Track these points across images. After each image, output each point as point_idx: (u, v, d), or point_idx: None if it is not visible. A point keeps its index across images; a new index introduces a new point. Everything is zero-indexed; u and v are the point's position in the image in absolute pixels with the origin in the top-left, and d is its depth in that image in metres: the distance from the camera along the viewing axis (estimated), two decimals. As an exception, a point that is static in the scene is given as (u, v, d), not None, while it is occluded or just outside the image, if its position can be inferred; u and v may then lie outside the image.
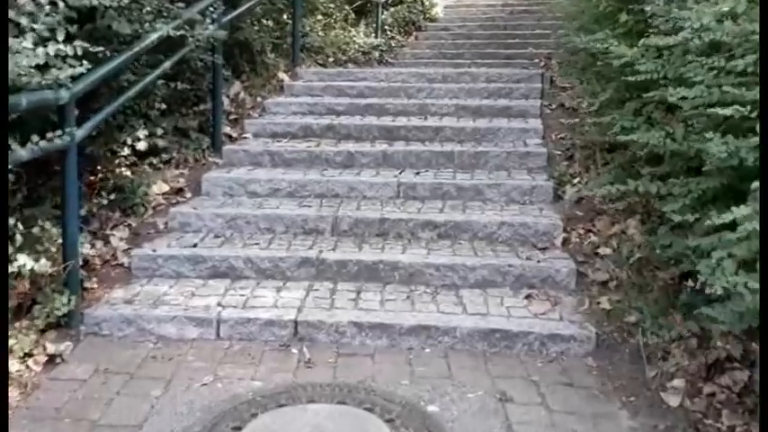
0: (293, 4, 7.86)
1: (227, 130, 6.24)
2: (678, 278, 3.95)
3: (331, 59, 8.79)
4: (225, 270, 4.30)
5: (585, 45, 4.46)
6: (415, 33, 11.55)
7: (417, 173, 5.56)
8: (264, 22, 7.68)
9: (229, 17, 6.27)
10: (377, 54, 10.06)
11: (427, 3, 12.18)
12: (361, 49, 9.81)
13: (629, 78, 3.71)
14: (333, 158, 5.77)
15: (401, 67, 9.28)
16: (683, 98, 3.17)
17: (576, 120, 6.29)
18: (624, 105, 4.50)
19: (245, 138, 6.26)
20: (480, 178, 5.38)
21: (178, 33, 4.65)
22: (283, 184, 5.32)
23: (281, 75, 7.50)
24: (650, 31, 4.34)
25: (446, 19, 12.40)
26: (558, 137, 6.08)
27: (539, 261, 4.32)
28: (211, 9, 5.44)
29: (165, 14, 4.94)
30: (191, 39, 5.06)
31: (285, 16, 8.23)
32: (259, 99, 6.96)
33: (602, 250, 4.43)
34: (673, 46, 3.49)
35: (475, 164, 5.67)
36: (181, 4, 5.06)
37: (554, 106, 6.81)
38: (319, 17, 9.54)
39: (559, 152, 5.77)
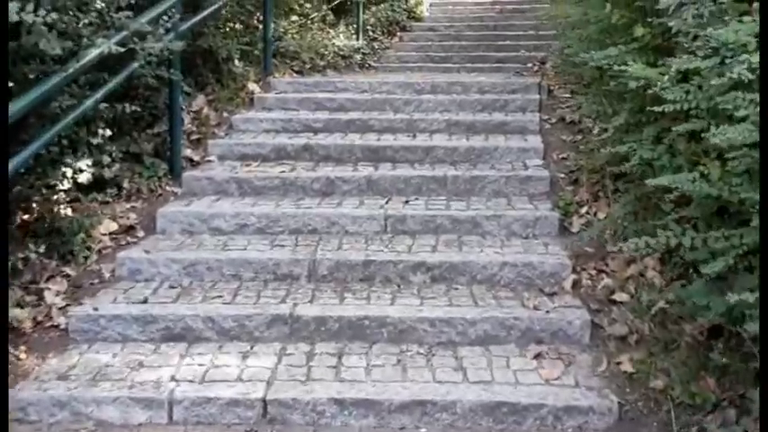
0: (264, 6, 7.30)
1: (188, 152, 5.69)
2: (707, 332, 3.50)
3: (308, 66, 8.25)
4: (180, 331, 3.77)
5: (596, 62, 3.95)
6: (399, 34, 11.04)
7: (406, 201, 5.05)
8: (232, 26, 7.13)
9: (189, 24, 5.75)
10: (358, 58, 9.55)
11: (412, 1, 11.66)
12: (341, 53, 9.29)
13: (655, 109, 3.21)
14: (310, 186, 5.24)
15: (386, 73, 8.79)
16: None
17: (580, 137, 5.81)
18: (640, 129, 4.01)
19: (209, 161, 5.72)
20: (477, 207, 4.89)
21: (123, 49, 4.09)
22: (252, 219, 4.79)
23: (252, 85, 6.96)
24: (670, 46, 3.87)
25: (432, 18, 11.90)
26: (561, 157, 5.60)
27: (547, 311, 3.83)
28: (166, 17, 4.88)
29: (109, 26, 4.40)
30: (141, 52, 4.52)
31: (256, 19, 7.68)
32: (226, 114, 6.42)
33: (619, 296, 3.95)
34: (705, 70, 2.99)
35: (470, 190, 5.17)
36: (128, 13, 4.51)
37: (554, 120, 6.33)
38: (294, 18, 9.00)
39: (563, 175, 5.29)
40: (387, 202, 5.02)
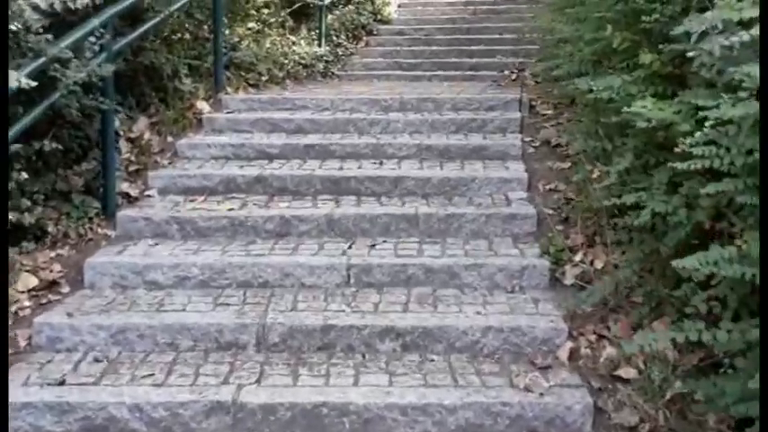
0: (213, 13, 6.69)
1: (125, 186, 5.08)
2: (737, 423, 2.98)
3: (265, 78, 7.66)
4: (103, 422, 3.17)
5: (596, 92, 3.42)
6: (365, 38, 10.48)
7: (373, 245, 4.50)
8: (179, 37, 6.51)
9: (125, 41, 5.15)
10: (321, 66, 9.01)
11: (379, 2, 11.09)
12: (302, 62, 8.72)
13: (678, 166, 2.67)
14: (262, 226, 4.66)
15: (350, 84, 8.26)
16: None
17: (568, 164, 5.29)
18: (648, 172, 3.49)
19: (149, 196, 5.11)
20: (454, 253, 4.34)
21: (34, 83, 3.49)
22: (194, 271, 4.20)
23: (201, 104, 6.36)
24: (683, 75, 3.35)
25: (401, 21, 11.35)
26: (548, 188, 5.08)
27: (541, 393, 3.28)
28: (93, 38, 4.28)
29: (24, 52, 3.79)
30: (63, 80, 3.92)
31: (207, 28, 7.06)
32: (170, 139, 5.81)
33: (625, 371, 3.40)
34: (740, 119, 2.47)
35: (446, 230, 4.63)
36: (48, 36, 3.90)
37: (537, 143, 5.80)
38: (251, 25, 8.38)
39: (551, 211, 4.76)
40: (350, 246, 4.46)
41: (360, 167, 5.38)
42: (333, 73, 9.20)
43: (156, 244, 4.59)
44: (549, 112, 6.36)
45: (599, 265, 4.09)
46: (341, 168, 5.36)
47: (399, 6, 11.96)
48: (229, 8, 7.67)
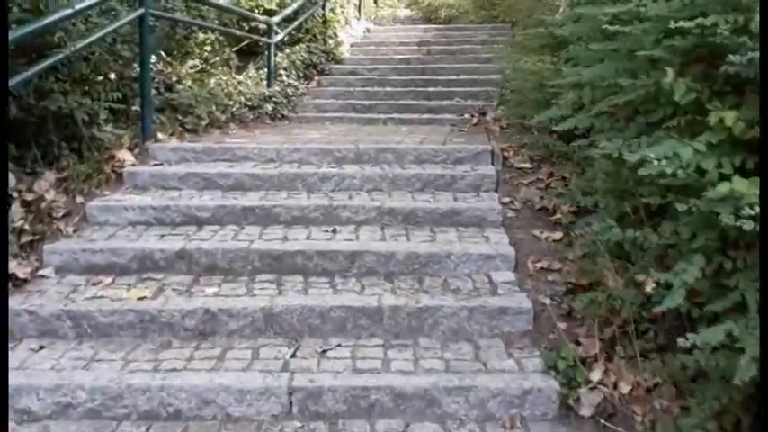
0: (141, 51, 5.28)
1: (13, 266, 3.64)
2: None
3: (205, 122, 6.26)
4: None
5: (659, 166, 2.13)
6: (317, 78, 9.15)
7: (324, 350, 3.15)
8: (101, 78, 5.08)
9: (20, 79, 3.73)
10: (269, 107, 7.64)
11: (331, 42, 9.80)
12: (249, 103, 7.35)
13: None
14: (180, 322, 3.28)
15: (301, 127, 6.94)
16: None
17: (560, 234, 4.03)
18: (723, 282, 2.21)
19: (42, 277, 3.69)
20: (431, 366, 3.03)
21: None
22: (81, 395, 2.81)
23: (124, 155, 4.94)
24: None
25: (353, 60, 10.05)
26: (539, 266, 3.79)
27: None
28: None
29: None
30: None
31: (136, 66, 5.64)
32: (80, 200, 4.38)
33: None
34: None
35: (418, 328, 3.31)
36: None
37: (517, 205, 4.52)
38: (192, 63, 6.98)
39: (548, 300, 3.47)
40: (294, 354, 3.11)
41: (308, 237, 4.03)
42: (282, 115, 7.85)
43: (41, 347, 3.19)
44: (526, 165, 5.09)
45: (624, 387, 2.80)
46: (285, 239, 3.99)
47: (352, 46, 10.69)
48: (165, 45, 6.28)
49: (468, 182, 4.72)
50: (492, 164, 5.10)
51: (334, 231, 4.12)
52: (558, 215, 4.30)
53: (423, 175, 4.75)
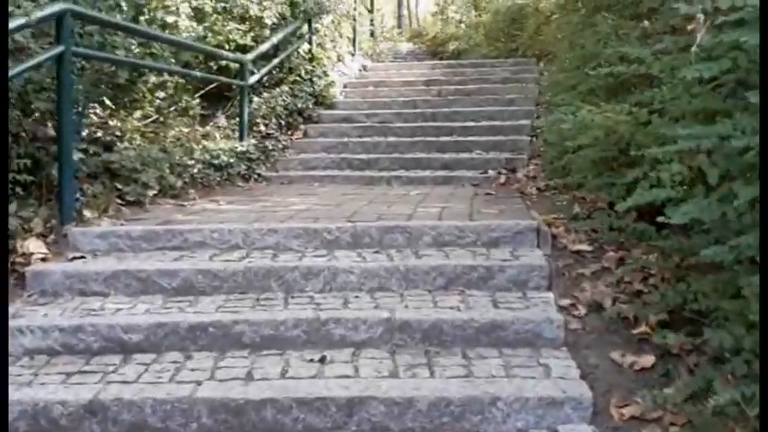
0: (59, 99, 4.33)
1: None
2: None
3: (153, 190, 5.33)
4: None
5: None
6: (303, 127, 8.28)
7: None
8: None
9: None
10: (242, 167, 6.77)
11: (320, 82, 8.93)
12: (215, 162, 6.45)
13: None
14: None
15: (281, 189, 6.04)
16: None
17: (652, 360, 3.05)
18: None
19: None
20: None
21: None
22: None
23: (31, 245, 3.98)
24: None
25: (348, 104, 9.20)
26: (627, 415, 2.80)
27: None
28: None
29: None
30: None
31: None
32: (-41, 316, 3.38)
33: None
34: None
35: None
36: None
37: (581, 309, 3.54)
38: (140, 114, 6.08)
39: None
40: None
41: (285, 373, 3.05)
42: (259, 175, 6.97)
43: None
44: (584, 248, 4.13)
45: None
46: (249, 377, 3.00)
47: (346, 87, 9.85)
48: (100, 92, 5.39)
49: (510, 276, 3.75)
50: (538, 246, 4.15)
51: (323, 361, 3.14)
52: (644, 327, 3.32)
53: (446, 266, 3.78)
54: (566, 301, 3.60)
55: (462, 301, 3.57)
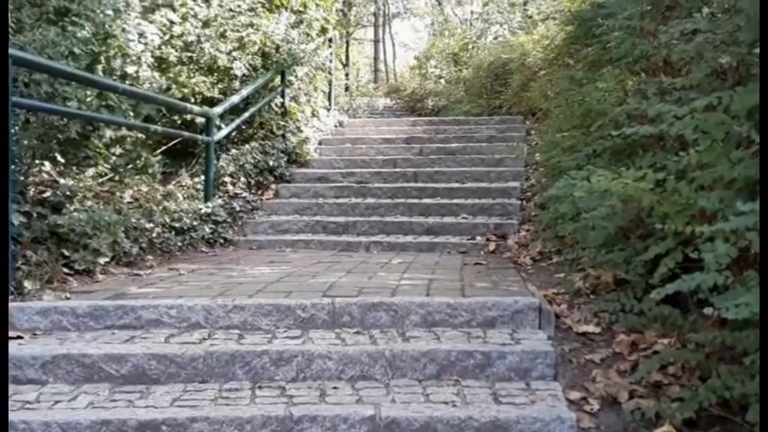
0: None
1: None
2: None
3: (106, 257, 4.98)
4: None
5: None
6: (274, 187, 7.99)
7: None
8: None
9: None
10: (207, 230, 6.45)
11: (293, 139, 8.68)
12: (177, 225, 6.12)
13: None
14: None
15: (249, 256, 5.71)
16: None
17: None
18: None
19: None
20: None
21: None
22: None
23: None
24: None
25: (323, 162, 8.94)
26: None
27: None
28: None
29: None
30: None
31: None
32: None
33: None
34: None
35: None
36: None
37: (593, 404, 3.22)
38: (93, 172, 5.74)
39: None
40: None
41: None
42: (225, 239, 6.64)
43: None
44: (591, 329, 3.83)
45: None
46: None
47: (321, 144, 9.61)
48: (49, 147, 5.06)
49: (512, 363, 3.43)
50: (540, 328, 3.84)
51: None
52: (667, 426, 3.00)
53: (438, 352, 3.45)
54: (575, 394, 3.27)
55: (458, 393, 3.24)
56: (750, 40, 2.40)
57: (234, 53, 8.09)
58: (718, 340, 2.57)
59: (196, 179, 7.20)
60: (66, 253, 4.77)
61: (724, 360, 2.93)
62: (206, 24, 8.04)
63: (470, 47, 17.01)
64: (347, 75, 14.60)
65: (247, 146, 8.15)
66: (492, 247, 6.30)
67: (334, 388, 3.29)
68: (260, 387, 3.32)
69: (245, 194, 7.51)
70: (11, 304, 3.84)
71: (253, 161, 7.89)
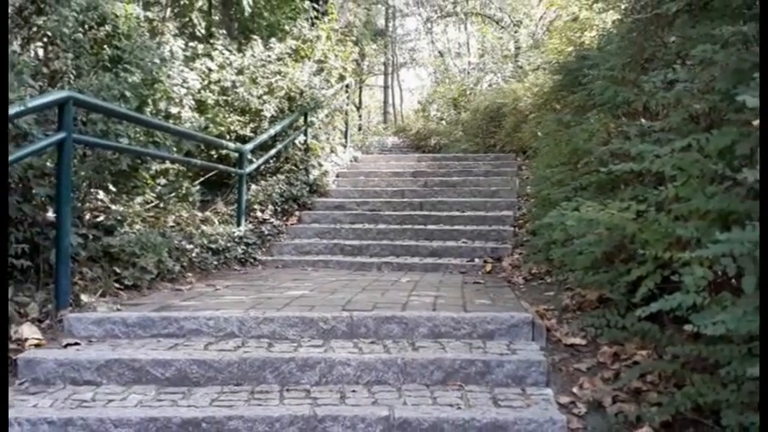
0: (58, 185, 4.00)
1: None
2: None
3: (151, 275, 4.99)
4: None
5: None
6: (297, 213, 8.00)
7: None
8: None
9: None
10: (239, 251, 6.45)
11: (315, 172, 8.72)
12: (213, 246, 6.13)
13: None
14: None
15: (276, 273, 5.71)
16: None
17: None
18: None
19: None
20: None
21: None
22: None
23: (25, 330, 3.62)
24: None
25: (340, 192, 8.96)
26: None
27: None
28: None
29: None
30: None
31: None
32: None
33: None
34: None
35: None
36: None
37: (581, 407, 3.20)
38: (140, 200, 5.77)
39: None
40: None
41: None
42: (255, 259, 6.64)
43: None
44: (578, 341, 3.82)
45: None
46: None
47: (338, 176, 9.64)
48: (103, 178, 5.10)
49: (509, 371, 3.42)
50: (533, 339, 3.83)
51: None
52: (646, 428, 2.98)
53: (444, 360, 3.44)
54: (565, 399, 3.26)
55: (461, 397, 3.23)
56: (724, 88, 2.43)
57: (264, 97, 8.16)
58: (694, 353, 2.56)
59: (230, 206, 7.23)
60: (118, 270, 4.79)
61: (696, 370, 2.92)
62: (240, 72, 8.13)
63: (468, 93, 17.06)
64: (360, 116, 14.66)
65: (274, 177, 8.19)
66: (489, 268, 6.30)
67: (353, 391, 3.29)
68: (287, 390, 3.31)
69: (272, 220, 7.53)
70: (70, 315, 3.86)
71: (279, 191, 7.92)
